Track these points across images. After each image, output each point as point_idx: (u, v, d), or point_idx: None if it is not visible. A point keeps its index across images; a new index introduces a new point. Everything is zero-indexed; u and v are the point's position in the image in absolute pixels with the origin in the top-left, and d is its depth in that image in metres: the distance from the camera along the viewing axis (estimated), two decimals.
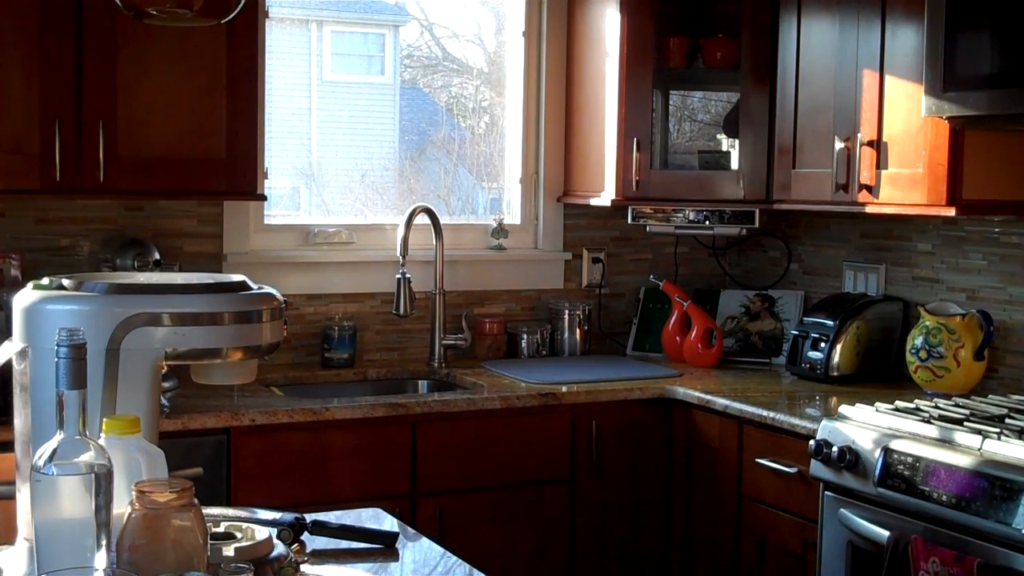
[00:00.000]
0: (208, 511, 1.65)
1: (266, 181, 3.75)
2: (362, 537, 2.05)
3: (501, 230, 4.19)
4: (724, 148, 4.18)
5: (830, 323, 3.64)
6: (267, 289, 1.80)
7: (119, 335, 1.65)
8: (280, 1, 4.02)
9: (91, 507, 1.40)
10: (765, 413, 3.24)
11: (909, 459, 2.75)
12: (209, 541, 1.49)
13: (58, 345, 1.42)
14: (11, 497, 1.71)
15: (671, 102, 4.24)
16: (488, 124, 4.42)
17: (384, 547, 2.04)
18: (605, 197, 3.99)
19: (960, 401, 3.07)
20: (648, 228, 4.08)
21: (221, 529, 1.74)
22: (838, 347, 3.61)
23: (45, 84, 3.13)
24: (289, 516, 1.94)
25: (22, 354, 1.67)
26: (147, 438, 1.64)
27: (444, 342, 3.98)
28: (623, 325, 4.34)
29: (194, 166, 3.33)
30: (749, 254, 4.44)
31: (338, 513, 2.17)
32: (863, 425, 2.93)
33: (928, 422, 2.85)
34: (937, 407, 2.99)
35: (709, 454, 3.50)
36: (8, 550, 1.69)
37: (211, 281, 1.79)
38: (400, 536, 2.09)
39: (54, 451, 1.41)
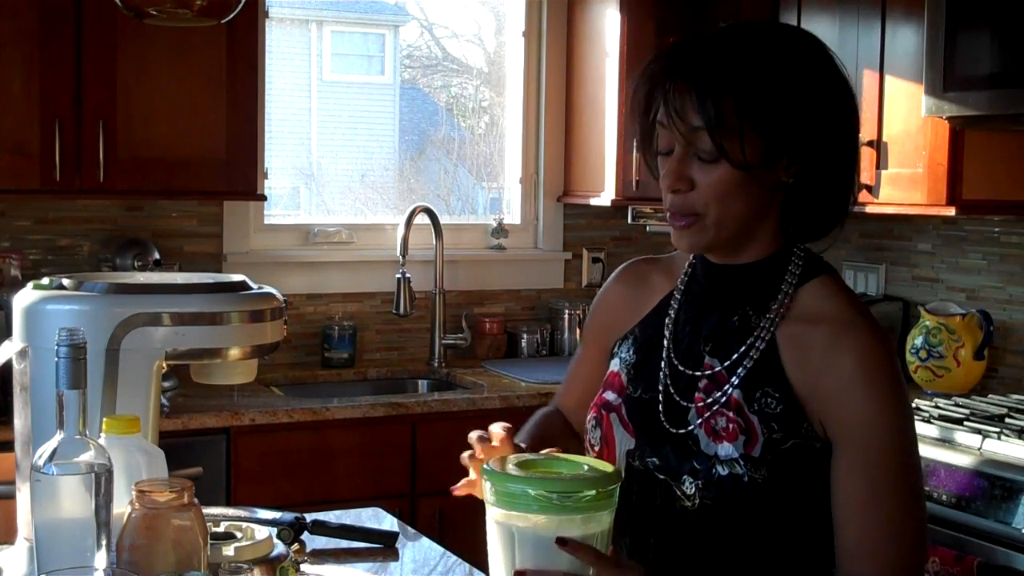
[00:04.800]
0: (208, 511, 1.64)
1: (266, 181, 3.75)
2: (362, 537, 2.05)
3: (501, 230, 4.19)
4: None
5: None
6: (267, 289, 1.79)
7: (119, 335, 1.65)
8: (280, 1, 4.02)
9: (91, 507, 1.40)
10: None
11: None
12: (209, 541, 1.49)
13: (58, 345, 1.42)
14: (11, 497, 1.71)
15: None
16: (488, 124, 4.42)
17: (384, 547, 2.04)
18: (605, 197, 3.99)
19: (960, 401, 3.07)
20: (648, 228, 4.08)
21: (221, 529, 1.73)
22: None
23: (45, 84, 3.13)
24: (289, 516, 1.94)
25: (22, 354, 1.67)
26: (147, 438, 1.64)
27: (444, 342, 3.98)
28: None
29: (194, 166, 3.32)
30: None
31: (338, 513, 2.17)
32: None
33: (928, 422, 2.85)
34: (937, 407, 2.99)
35: None
36: (8, 550, 1.69)
37: (211, 281, 1.79)
38: (400, 536, 2.09)
39: (54, 451, 1.41)
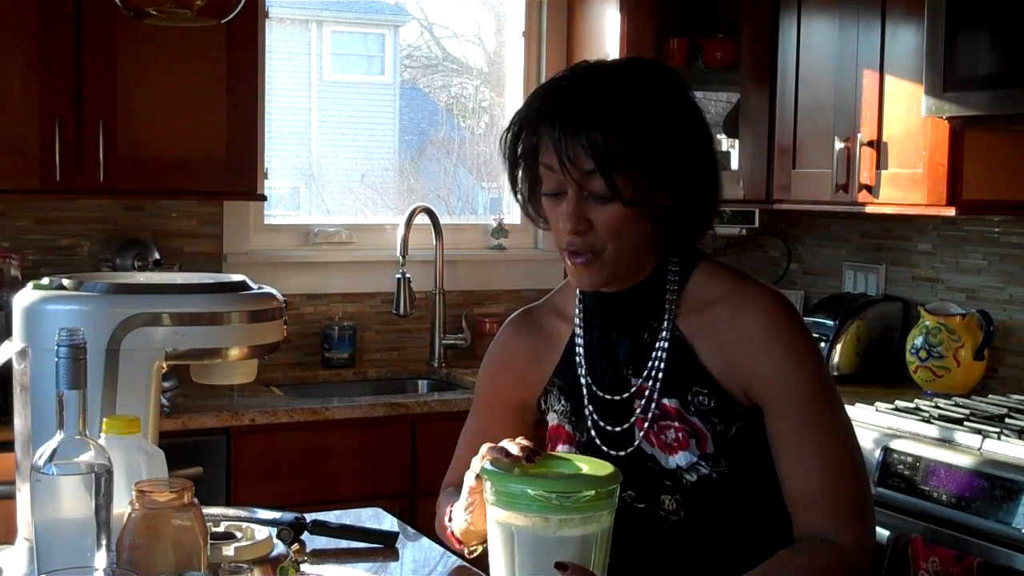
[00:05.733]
0: (208, 511, 1.65)
1: (266, 181, 3.75)
2: (362, 537, 2.05)
3: (501, 230, 4.19)
4: (724, 148, 4.18)
5: (830, 323, 3.64)
6: (267, 289, 1.80)
7: (119, 335, 1.65)
8: (280, 1, 4.02)
9: (91, 507, 1.40)
10: None
11: (909, 459, 2.75)
12: (209, 541, 1.49)
13: (58, 345, 1.42)
14: (11, 497, 1.71)
15: None
16: (488, 124, 4.42)
17: (384, 547, 2.04)
18: None
19: (960, 401, 3.07)
20: None
21: (221, 529, 1.74)
22: (838, 347, 3.61)
23: (45, 84, 3.13)
24: (289, 516, 1.94)
25: (22, 354, 1.67)
26: (147, 438, 1.64)
27: (444, 342, 3.98)
28: None
29: (194, 166, 3.32)
30: (749, 254, 4.44)
31: (338, 513, 2.17)
32: (863, 425, 2.93)
33: (928, 422, 2.85)
34: (937, 407, 2.99)
35: None
36: (8, 550, 1.69)
37: (211, 281, 1.79)
38: (400, 536, 2.09)
39: (54, 451, 1.41)
